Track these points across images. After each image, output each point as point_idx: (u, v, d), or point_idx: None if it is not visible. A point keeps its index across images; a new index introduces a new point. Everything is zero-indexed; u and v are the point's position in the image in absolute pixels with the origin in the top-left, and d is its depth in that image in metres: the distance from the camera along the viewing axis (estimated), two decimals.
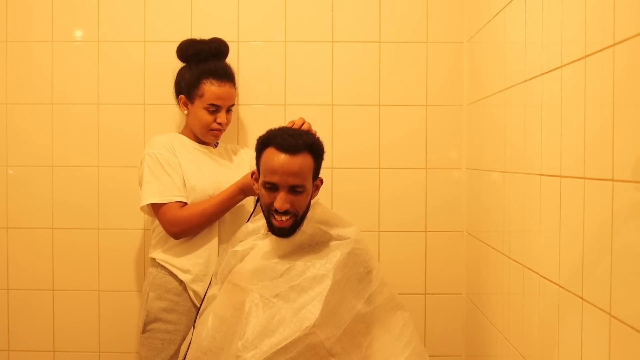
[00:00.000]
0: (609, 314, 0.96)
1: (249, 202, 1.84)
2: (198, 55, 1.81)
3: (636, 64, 0.88)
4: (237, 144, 2.04)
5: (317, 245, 1.52)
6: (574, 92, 1.11)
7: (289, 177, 1.46)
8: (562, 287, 1.17)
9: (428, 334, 2.08)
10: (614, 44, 0.95)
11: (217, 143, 1.91)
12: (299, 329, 1.36)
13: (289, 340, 1.35)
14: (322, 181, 1.60)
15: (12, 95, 2.08)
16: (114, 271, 2.08)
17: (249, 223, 1.67)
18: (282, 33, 2.06)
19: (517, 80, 1.46)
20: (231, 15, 2.06)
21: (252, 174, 1.61)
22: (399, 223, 2.08)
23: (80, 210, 2.07)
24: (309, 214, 1.53)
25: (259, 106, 2.08)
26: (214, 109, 1.78)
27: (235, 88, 1.85)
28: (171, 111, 2.03)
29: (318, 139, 1.57)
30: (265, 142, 1.52)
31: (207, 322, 1.48)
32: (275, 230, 1.50)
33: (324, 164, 1.60)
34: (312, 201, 1.58)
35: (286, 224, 1.49)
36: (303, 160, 1.48)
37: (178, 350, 1.68)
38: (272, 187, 1.48)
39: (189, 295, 1.72)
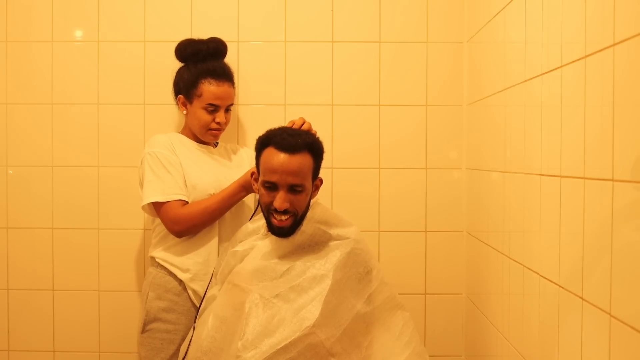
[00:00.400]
0: (609, 314, 0.96)
1: (250, 200, 1.84)
2: (196, 55, 1.81)
3: (636, 64, 0.88)
4: (237, 144, 2.04)
5: (317, 245, 1.52)
6: (574, 92, 1.11)
7: (289, 176, 1.46)
8: (562, 287, 1.17)
9: (428, 334, 2.08)
10: (614, 44, 0.95)
11: (217, 143, 1.91)
12: (299, 329, 1.37)
13: (289, 340, 1.35)
14: (321, 181, 1.60)
15: (12, 95, 2.08)
16: (114, 271, 2.08)
17: (249, 223, 1.67)
18: (282, 33, 2.06)
19: (517, 80, 1.46)
20: (231, 15, 2.06)
21: (252, 173, 1.61)
22: (399, 223, 2.08)
23: (80, 210, 2.07)
24: (309, 214, 1.54)
25: (259, 106, 2.08)
26: (213, 109, 1.78)
27: (233, 87, 1.85)
28: (171, 111, 2.03)
29: (318, 138, 1.57)
30: (264, 142, 1.52)
31: (207, 322, 1.48)
32: (275, 230, 1.51)
33: (324, 164, 1.60)
34: (312, 201, 1.58)
35: (286, 224, 1.49)
36: (302, 160, 1.48)
37: (177, 350, 1.68)
38: (272, 187, 1.48)
39: (189, 295, 1.72)
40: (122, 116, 2.07)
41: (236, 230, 1.73)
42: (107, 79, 2.07)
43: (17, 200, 2.08)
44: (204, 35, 1.88)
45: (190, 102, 1.80)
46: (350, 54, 2.07)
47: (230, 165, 1.87)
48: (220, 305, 1.51)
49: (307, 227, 1.52)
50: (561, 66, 1.18)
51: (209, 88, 1.77)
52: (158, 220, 1.77)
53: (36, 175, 2.08)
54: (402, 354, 1.48)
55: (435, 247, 2.08)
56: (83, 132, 2.07)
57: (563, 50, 1.17)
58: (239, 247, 1.60)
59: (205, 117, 1.78)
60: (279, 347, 1.35)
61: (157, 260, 1.75)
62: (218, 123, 1.79)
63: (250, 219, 1.70)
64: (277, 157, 1.47)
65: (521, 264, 1.43)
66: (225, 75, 1.81)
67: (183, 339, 1.68)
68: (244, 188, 1.70)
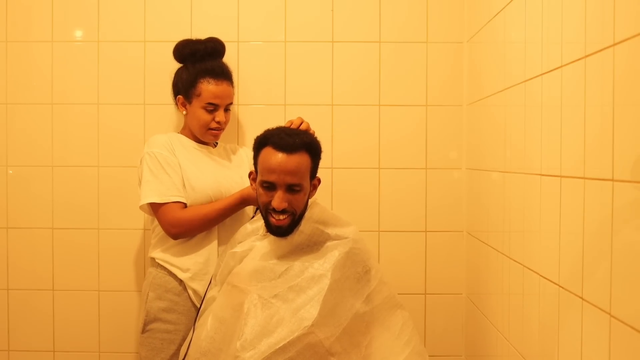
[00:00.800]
0: (609, 314, 0.96)
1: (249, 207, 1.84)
2: (194, 55, 1.81)
3: (636, 64, 0.88)
4: (237, 144, 2.04)
5: (315, 245, 1.52)
6: (574, 92, 1.11)
7: (287, 175, 1.46)
8: (562, 287, 1.17)
9: (428, 334, 2.08)
10: (614, 44, 0.95)
11: (217, 143, 1.91)
12: (298, 329, 1.36)
13: (288, 340, 1.35)
14: (319, 181, 1.60)
15: (12, 95, 2.08)
16: (114, 271, 2.08)
17: (247, 224, 1.67)
18: (282, 33, 2.06)
19: (517, 80, 1.46)
20: (231, 15, 2.06)
21: (250, 173, 1.61)
22: (399, 223, 2.08)
23: (80, 210, 2.07)
24: (307, 214, 1.53)
25: (259, 106, 2.08)
26: (212, 108, 1.78)
27: (232, 87, 1.85)
28: (171, 111, 2.03)
29: (315, 138, 1.57)
30: (262, 142, 1.52)
31: (207, 323, 1.49)
32: (273, 229, 1.51)
33: (324, 164, 1.60)
34: (310, 201, 1.58)
35: (284, 223, 1.49)
36: (300, 159, 1.48)
37: (178, 350, 1.68)
38: (270, 186, 1.48)
39: (189, 295, 1.72)
40: (122, 116, 2.07)
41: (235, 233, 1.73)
42: (107, 79, 2.07)
43: (17, 200, 2.08)
44: (204, 35, 1.88)
45: (190, 102, 1.80)
46: (350, 54, 2.07)
47: (229, 166, 1.87)
48: (219, 306, 1.51)
49: (305, 227, 1.52)
50: (561, 66, 1.17)
51: (208, 87, 1.77)
52: (157, 221, 1.77)
53: (36, 175, 2.08)
54: (402, 353, 1.48)
55: (435, 247, 2.08)
56: (83, 132, 2.07)
57: (563, 50, 1.17)
58: (238, 248, 1.60)
59: (205, 116, 1.77)
60: (277, 347, 1.35)
61: (157, 260, 1.75)
62: (218, 122, 1.79)
63: (253, 216, 1.70)
64: (275, 157, 1.47)
65: (521, 264, 1.43)
66: (223, 75, 1.81)
67: (183, 339, 1.68)
68: (244, 200, 1.71)
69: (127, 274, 2.08)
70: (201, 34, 1.90)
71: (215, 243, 1.75)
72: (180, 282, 1.72)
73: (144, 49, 2.06)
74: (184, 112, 1.82)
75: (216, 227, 1.76)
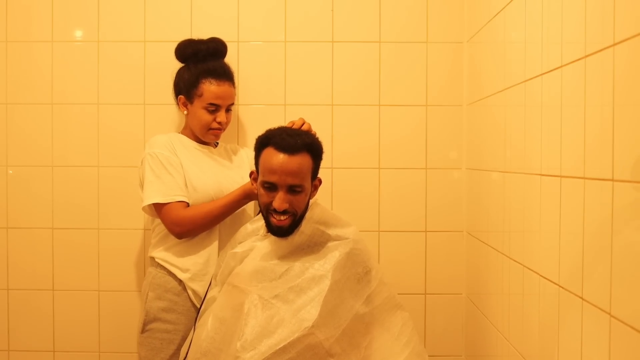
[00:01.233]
0: (609, 314, 0.96)
1: (249, 205, 1.84)
2: (196, 55, 1.81)
3: (636, 64, 0.88)
4: (237, 144, 2.04)
5: (316, 245, 1.52)
6: (574, 92, 1.11)
7: (288, 176, 1.46)
8: (562, 287, 1.17)
9: (428, 334, 2.08)
10: (614, 44, 0.95)
11: (217, 143, 1.91)
12: (298, 330, 1.36)
13: (288, 341, 1.35)
14: (320, 181, 1.60)
15: (12, 95, 2.08)
16: (114, 271, 2.08)
17: (248, 224, 1.67)
18: (282, 33, 2.06)
19: (517, 80, 1.46)
20: (231, 15, 2.06)
21: (251, 173, 1.61)
22: (399, 223, 2.08)
23: (80, 210, 2.07)
24: (308, 215, 1.53)
25: (259, 106, 2.08)
26: (214, 109, 1.78)
27: (234, 87, 1.85)
28: (171, 111, 2.03)
29: (317, 139, 1.57)
30: (264, 142, 1.52)
31: (207, 323, 1.48)
32: (274, 229, 1.51)
33: (324, 164, 1.60)
34: (311, 201, 1.58)
35: (284, 223, 1.49)
36: (302, 160, 1.48)
37: (177, 350, 1.68)
38: (271, 187, 1.48)
39: (188, 295, 1.72)
40: (122, 116, 2.07)
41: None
42: (107, 79, 2.07)
43: (17, 200, 2.08)
44: (204, 35, 1.88)
45: (191, 102, 1.80)
46: (350, 54, 2.07)
47: (230, 166, 1.87)
48: (219, 307, 1.51)
49: (306, 227, 1.52)
50: (561, 66, 1.17)
51: (210, 88, 1.77)
52: (158, 221, 1.77)
53: (36, 175, 2.08)
54: (402, 354, 1.48)
55: (435, 247, 2.08)
56: (83, 132, 2.07)
57: (563, 50, 1.17)
58: (239, 249, 1.60)
59: (206, 117, 1.77)
60: (277, 347, 1.34)
61: (156, 260, 1.75)
62: (219, 123, 1.79)
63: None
64: (276, 158, 1.47)
65: (521, 264, 1.43)
66: (225, 75, 1.81)
67: (183, 339, 1.68)
68: (247, 196, 1.70)
69: (127, 274, 2.08)
70: (201, 34, 1.90)
71: (216, 244, 1.75)
72: (180, 282, 1.72)
73: (144, 49, 2.06)
74: (185, 112, 1.82)
75: (217, 228, 1.76)
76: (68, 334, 2.09)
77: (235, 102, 1.95)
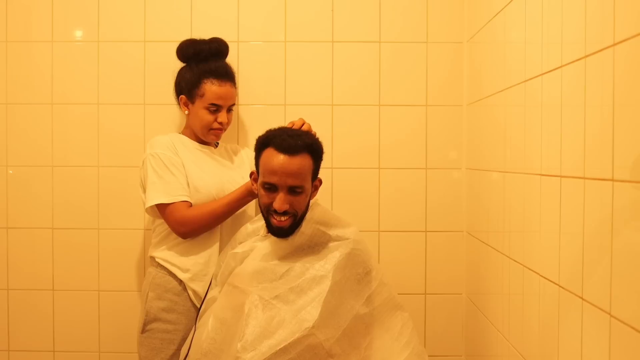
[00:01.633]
0: (609, 314, 0.96)
1: (250, 206, 1.84)
2: (198, 55, 1.81)
3: (636, 64, 0.88)
4: (237, 144, 2.04)
5: (316, 246, 1.52)
6: (574, 92, 1.11)
7: (288, 177, 1.46)
8: (562, 287, 1.17)
9: (428, 334, 2.08)
10: (614, 44, 0.95)
11: (218, 143, 1.91)
12: (298, 330, 1.36)
13: (288, 342, 1.35)
14: (320, 182, 1.60)
15: (12, 95, 2.08)
16: (114, 271, 2.08)
17: (248, 224, 1.67)
18: (282, 33, 2.06)
19: (517, 80, 1.46)
20: (231, 15, 2.06)
21: (251, 174, 1.61)
22: (399, 223, 2.08)
23: (80, 210, 2.07)
24: (308, 215, 1.53)
25: (259, 106, 2.08)
26: (215, 109, 1.78)
27: (235, 87, 1.85)
28: (171, 111, 2.03)
29: (317, 139, 1.57)
30: (264, 143, 1.52)
31: (207, 324, 1.49)
32: (274, 230, 1.50)
33: (324, 164, 1.60)
34: (311, 202, 1.58)
35: (285, 224, 1.49)
36: (302, 161, 1.48)
37: (177, 350, 1.68)
38: (271, 188, 1.48)
39: (189, 295, 1.72)
40: (122, 116, 2.07)
41: None
42: (107, 79, 2.07)
43: (17, 200, 2.08)
44: (204, 35, 1.88)
45: (193, 102, 1.80)
46: (350, 54, 2.07)
47: (231, 166, 1.87)
48: (220, 307, 1.51)
49: (306, 228, 1.52)
50: (561, 66, 1.17)
51: (211, 88, 1.77)
52: (158, 221, 1.77)
53: (36, 175, 2.08)
54: (401, 354, 1.48)
55: (435, 247, 2.08)
56: (83, 132, 2.07)
57: (563, 50, 1.17)
58: (239, 249, 1.60)
59: (208, 117, 1.77)
60: (278, 348, 1.35)
61: (157, 260, 1.75)
62: (220, 123, 1.79)
63: None
64: (276, 159, 1.47)
65: (521, 264, 1.43)
66: (227, 75, 1.81)
67: (183, 339, 1.68)
68: (250, 192, 1.70)
69: (127, 274, 2.08)
70: (201, 34, 1.90)
71: (217, 245, 1.75)
72: (180, 282, 1.72)
73: (144, 49, 2.06)
74: (186, 112, 1.82)
75: (218, 228, 1.76)
76: (68, 334, 2.09)
77: (236, 102, 1.95)
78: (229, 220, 1.76)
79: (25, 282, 2.09)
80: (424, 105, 2.07)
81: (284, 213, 1.48)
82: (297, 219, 1.51)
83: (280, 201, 1.46)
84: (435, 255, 2.08)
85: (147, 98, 2.06)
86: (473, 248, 1.96)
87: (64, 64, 2.07)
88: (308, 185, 1.51)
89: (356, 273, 1.50)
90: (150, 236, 1.83)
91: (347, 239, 1.52)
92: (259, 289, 1.46)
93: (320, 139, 1.58)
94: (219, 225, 1.75)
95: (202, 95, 1.77)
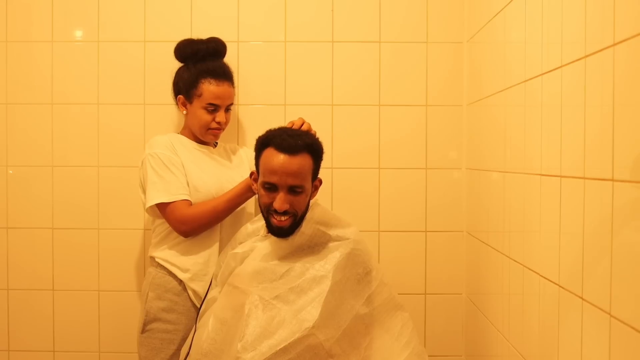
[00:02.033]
0: (609, 314, 0.96)
1: (249, 204, 1.84)
2: (196, 55, 1.81)
3: (636, 64, 0.88)
4: (237, 144, 2.04)
5: (317, 246, 1.52)
6: (574, 92, 1.11)
7: (288, 177, 1.46)
8: (562, 287, 1.17)
9: (428, 334, 2.08)
10: (614, 44, 0.95)
11: (217, 143, 1.91)
12: (299, 330, 1.36)
13: (289, 342, 1.35)
14: (320, 182, 1.60)
15: (12, 95, 2.08)
16: (114, 271, 2.08)
17: (248, 224, 1.67)
18: (282, 33, 2.06)
19: (517, 80, 1.46)
20: (231, 15, 2.06)
21: (251, 174, 1.61)
22: (399, 223, 2.08)
23: (80, 210, 2.07)
24: (308, 215, 1.53)
25: (259, 106, 2.08)
26: (213, 109, 1.78)
27: (233, 87, 1.85)
28: (171, 111, 2.03)
29: (317, 139, 1.57)
30: (264, 142, 1.52)
31: (208, 324, 1.48)
32: (274, 230, 1.50)
33: (324, 164, 1.60)
34: (311, 202, 1.58)
35: (285, 224, 1.49)
36: (302, 161, 1.48)
37: (177, 350, 1.68)
38: (272, 188, 1.48)
39: (189, 295, 1.72)
40: (122, 116, 2.07)
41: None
42: (107, 79, 2.07)
43: (17, 200, 2.08)
44: (204, 35, 1.88)
45: (190, 102, 1.80)
46: (350, 54, 2.07)
47: (230, 166, 1.87)
48: (220, 307, 1.51)
49: (306, 228, 1.52)
50: (561, 66, 1.17)
51: (209, 88, 1.77)
52: (158, 221, 1.77)
53: (36, 175, 2.08)
54: (401, 354, 1.48)
55: (435, 247, 2.08)
56: (83, 132, 2.07)
57: (563, 50, 1.17)
58: (239, 249, 1.60)
59: (206, 117, 1.77)
60: (278, 348, 1.35)
61: (157, 260, 1.75)
62: (218, 123, 1.79)
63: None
64: (277, 158, 1.47)
65: (521, 264, 1.43)
66: (225, 75, 1.81)
67: (183, 339, 1.68)
68: (250, 189, 1.70)
69: (127, 274, 2.08)
70: (201, 34, 1.90)
71: (217, 245, 1.75)
72: (180, 282, 1.72)
73: (144, 49, 2.06)
74: (184, 112, 1.82)
75: (218, 228, 1.76)
76: (68, 334, 2.09)
77: (235, 102, 1.95)
78: (228, 219, 1.76)
79: (25, 282, 2.09)
80: (424, 105, 2.07)
81: (284, 213, 1.48)
82: (297, 219, 1.51)
83: (280, 201, 1.46)
84: (435, 255, 2.08)
85: (147, 98, 2.06)
86: (473, 248, 1.96)
87: (64, 64, 2.07)
88: (308, 185, 1.51)
89: (356, 273, 1.50)
90: (150, 236, 1.83)
91: (347, 239, 1.52)
92: (259, 289, 1.46)
93: (320, 139, 1.58)
94: (219, 225, 1.75)
95: (199, 95, 1.77)
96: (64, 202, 2.08)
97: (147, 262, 1.90)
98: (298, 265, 1.48)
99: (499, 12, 1.63)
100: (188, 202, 1.70)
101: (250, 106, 2.08)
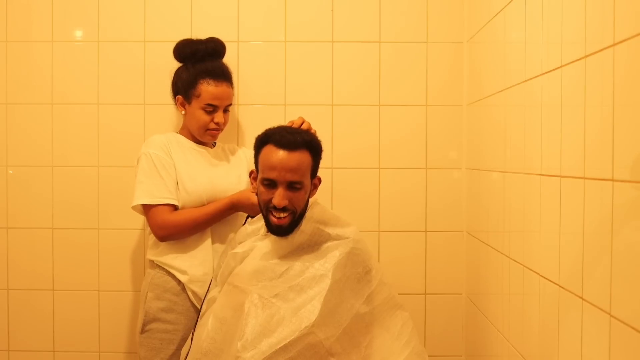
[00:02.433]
0: (609, 314, 0.96)
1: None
2: (194, 55, 1.81)
3: (636, 64, 0.88)
4: (236, 144, 2.04)
5: (316, 245, 1.52)
6: (574, 92, 1.11)
7: (287, 173, 1.46)
8: (562, 287, 1.17)
9: (428, 334, 2.08)
10: (614, 44, 0.95)
11: (215, 143, 1.91)
12: (298, 329, 1.36)
13: (288, 340, 1.35)
14: (320, 180, 1.60)
15: (12, 95, 2.08)
16: (114, 271, 2.08)
17: (247, 224, 1.67)
18: (282, 33, 2.06)
19: (517, 80, 1.46)
20: (231, 15, 2.06)
21: (251, 173, 1.61)
22: (399, 223, 2.08)
23: (80, 210, 2.07)
24: (308, 214, 1.53)
25: (259, 106, 2.08)
26: (211, 109, 1.78)
27: (232, 87, 1.84)
28: (171, 111, 2.03)
29: (316, 137, 1.57)
30: (263, 140, 1.52)
31: (207, 323, 1.48)
32: (274, 229, 1.50)
33: (324, 164, 1.60)
34: (310, 201, 1.58)
35: (284, 222, 1.49)
36: (301, 157, 1.48)
37: (177, 350, 1.68)
38: (271, 184, 1.49)
39: (188, 295, 1.72)
40: (122, 116, 2.07)
41: (229, 233, 1.75)
42: (107, 79, 2.07)
43: (17, 200, 2.08)
44: (204, 35, 1.88)
45: (189, 103, 1.79)
46: (350, 54, 2.07)
47: (227, 166, 1.86)
48: (220, 307, 1.51)
49: (306, 227, 1.52)
50: (561, 66, 1.17)
51: (208, 88, 1.77)
52: None
53: (36, 175, 2.08)
54: (402, 353, 1.48)
55: (435, 247, 2.08)
56: (83, 132, 2.07)
57: (563, 50, 1.17)
58: (239, 249, 1.60)
59: (204, 117, 1.77)
60: (278, 347, 1.34)
61: (155, 262, 1.75)
62: (217, 123, 1.79)
63: (244, 222, 1.70)
64: (276, 154, 1.47)
65: (521, 264, 1.43)
66: (223, 76, 1.81)
67: (182, 339, 1.68)
68: (233, 205, 1.71)
69: (127, 274, 2.08)
70: (201, 34, 1.90)
71: (209, 242, 1.75)
72: (179, 282, 1.72)
73: (144, 49, 2.06)
74: (183, 112, 1.82)
75: (209, 228, 1.76)
76: (68, 334, 2.09)
77: (235, 102, 1.95)
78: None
79: (25, 282, 2.09)
80: (424, 105, 2.07)
81: (283, 209, 1.48)
82: (296, 217, 1.51)
83: (279, 197, 1.46)
84: (435, 255, 2.08)
85: (147, 98, 2.06)
86: (473, 248, 1.96)
87: (64, 64, 2.07)
88: (307, 182, 1.52)
89: (356, 272, 1.50)
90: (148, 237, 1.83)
91: (347, 238, 1.52)
92: (258, 288, 1.46)
93: (320, 139, 1.58)
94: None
95: (198, 96, 1.77)
96: (64, 202, 2.08)
97: (147, 262, 1.90)
98: (298, 264, 1.49)
99: (499, 12, 1.63)
100: (171, 207, 1.70)
101: (250, 106, 2.08)
